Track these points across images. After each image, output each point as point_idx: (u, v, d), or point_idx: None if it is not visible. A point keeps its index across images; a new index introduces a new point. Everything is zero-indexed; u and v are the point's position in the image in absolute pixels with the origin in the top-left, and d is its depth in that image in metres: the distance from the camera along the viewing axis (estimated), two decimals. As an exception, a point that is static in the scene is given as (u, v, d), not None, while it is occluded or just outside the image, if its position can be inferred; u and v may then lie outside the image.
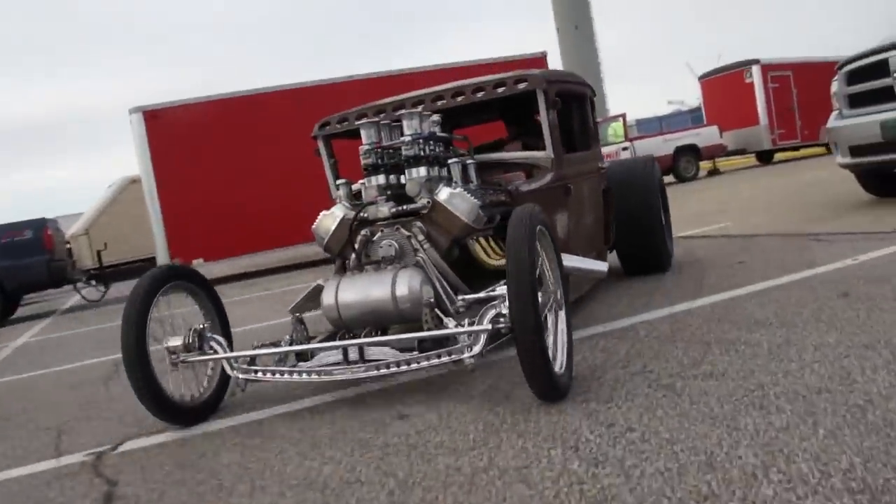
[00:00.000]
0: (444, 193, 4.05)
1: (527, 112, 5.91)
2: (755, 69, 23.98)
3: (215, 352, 3.86)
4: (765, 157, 26.32)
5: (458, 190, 4.09)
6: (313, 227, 4.40)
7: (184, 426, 3.85)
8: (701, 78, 26.23)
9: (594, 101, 6.17)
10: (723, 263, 6.23)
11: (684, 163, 22.67)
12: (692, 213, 11.12)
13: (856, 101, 8.32)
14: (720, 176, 23.52)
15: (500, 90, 4.88)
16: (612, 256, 6.31)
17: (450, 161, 4.31)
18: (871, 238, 6.09)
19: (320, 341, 4.05)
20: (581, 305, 5.23)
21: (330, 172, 5.51)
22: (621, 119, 22.30)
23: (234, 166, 14.97)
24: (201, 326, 3.93)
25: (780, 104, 24.11)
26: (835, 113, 8.73)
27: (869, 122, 7.96)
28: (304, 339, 4.09)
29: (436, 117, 4.38)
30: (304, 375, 3.73)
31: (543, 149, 4.95)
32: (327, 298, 4.02)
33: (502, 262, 3.87)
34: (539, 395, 3.23)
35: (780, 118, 24.11)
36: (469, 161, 4.52)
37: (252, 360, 3.86)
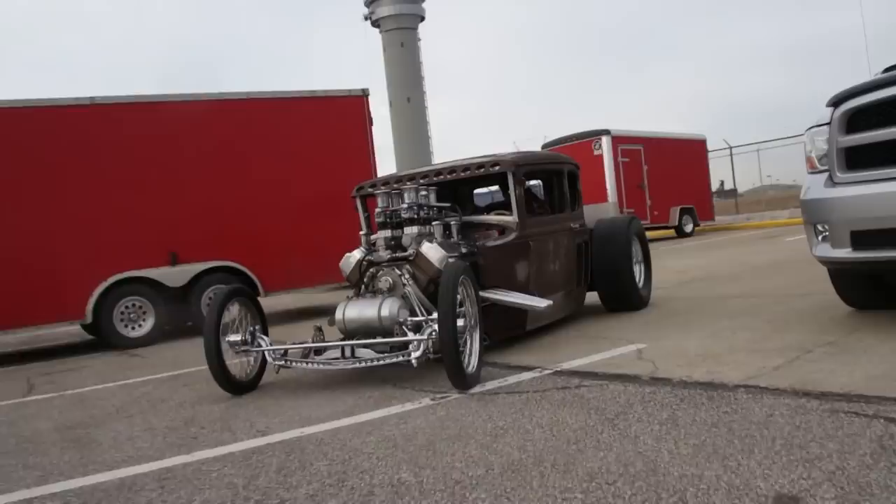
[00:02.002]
0: (424, 246, 5.87)
1: (555, 184, 7.63)
2: (605, 140, 21.41)
3: (261, 346, 5.76)
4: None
5: (435, 244, 5.92)
6: (340, 263, 6.26)
7: (236, 395, 5.62)
8: (545, 147, 23.43)
9: (576, 175, 7.87)
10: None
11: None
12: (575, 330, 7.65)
13: (864, 157, 5.05)
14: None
15: (481, 171, 6.68)
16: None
17: (434, 223, 6.26)
18: None
19: (331, 342, 5.80)
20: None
21: (363, 224, 7.22)
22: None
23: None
24: (254, 328, 5.83)
25: (630, 180, 21.57)
26: (814, 178, 5.45)
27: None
28: (321, 342, 5.81)
29: (424, 191, 6.36)
30: (317, 365, 5.61)
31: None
32: (338, 314, 5.81)
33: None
34: (453, 382, 4.85)
35: (630, 195, 21.53)
36: (453, 222, 6.43)
37: (285, 353, 5.73)
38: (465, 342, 5.12)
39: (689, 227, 22.98)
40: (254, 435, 4.31)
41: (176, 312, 10.46)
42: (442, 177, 6.78)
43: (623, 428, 3.55)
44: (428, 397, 4.75)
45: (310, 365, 5.62)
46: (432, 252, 5.78)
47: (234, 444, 4.12)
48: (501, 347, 6.27)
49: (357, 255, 6.14)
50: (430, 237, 6.09)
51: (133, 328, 10.22)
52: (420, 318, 5.48)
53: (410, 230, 6.10)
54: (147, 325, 10.28)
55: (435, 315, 5.10)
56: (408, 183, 6.64)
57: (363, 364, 5.37)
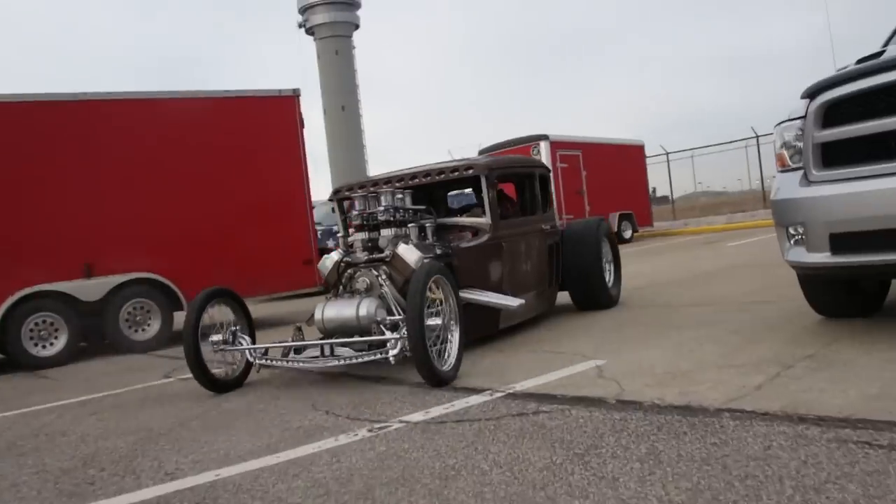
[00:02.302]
0: (400, 248, 6.00)
1: (528, 187, 7.87)
2: (543, 145, 21.01)
3: (241, 345, 5.93)
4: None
5: (410, 245, 6.04)
6: (318, 265, 6.58)
7: (219, 394, 5.75)
8: (481, 152, 22.93)
9: (546, 177, 8.12)
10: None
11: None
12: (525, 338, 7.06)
13: (843, 153, 4.60)
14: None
15: (455, 174, 6.88)
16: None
17: (409, 224, 6.39)
18: None
19: (310, 341, 5.94)
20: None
21: (341, 226, 7.59)
22: None
23: None
24: (235, 328, 5.98)
25: (569, 186, 21.19)
26: (785, 177, 5.00)
27: (884, 190, 4.28)
28: (300, 341, 5.94)
29: (400, 194, 6.49)
30: (297, 364, 5.74)
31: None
32: (317, 314, 5.97)
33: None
34: (424, 379, 4.99)
35: (569, 201, 21.16)
36: (429, 224, 6.55)
37: (266, 352, 5.88)
38: (445, 339, 5.34)
39: (628, 233, 22.70)
40: (161, 479, 3.64)
41: (91, 329, 9.63)
42: (417, 180, 6.94)
43: (596, 467, 2.99)
44: (365, 428, 4.13)
45: (290, 363, 5.79)
46: (408, 253, 5.95)
47: (136, 493, 3.46)
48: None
49: (335, 256, 6.30)
50: (405, 239, 6.24)
51: (43, 347, 9.28)
52: (397, 317, 5.62)
53: (387, 232, 6.29)
54: (59, 343, 9.35)
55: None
56: (384, 186, 6.78)
57: (342, 362, 5.46)
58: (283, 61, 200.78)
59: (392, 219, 6.30)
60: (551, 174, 8.41)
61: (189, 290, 9.95)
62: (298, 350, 5.87)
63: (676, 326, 6.19)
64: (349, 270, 6.15)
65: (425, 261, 5.73)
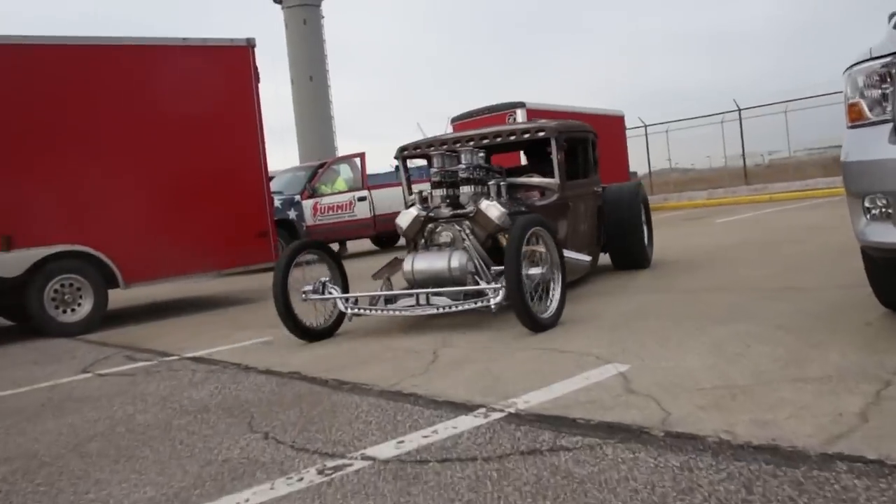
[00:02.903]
0: (484, 204, 6.18)
1: (542, 149, 7.76)
2: (520, 113, 19.75)
3: (331, 294, 6.00)
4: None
5: (494, 202, 6.22)
6: (396, 220, 6.56)
7: (310, 342, 5.87)
8: (454, 121, 21.67)
9: (595, 142, 8.27)
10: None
11: (436, 220, 17.85)
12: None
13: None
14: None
15: (526, 136, 7.26)
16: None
17: (489, 182, 6.53)
18: None
19: (401, 291, 6.15)
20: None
21: (405, 184, 7.91)
22: (358, 160, 16.99)
23: None
24: (324, 279, 6.06)
25: (546, 158, 20.02)
26: (862, 133, 3.85)
27: None
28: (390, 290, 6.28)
29: (481, 153, 6.77)
30: (392, 312, 5.89)
31: (553, 176, 7.05)
32: (406, 266, 6.18)
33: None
34: (526, 326, 5.21)
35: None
36: (502, 182, 6.64)
37: (356, 301, 6.09)
38: (547, 288, 5.63)
39: (607, 208, 21.64)
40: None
41: (11, 309, 8.35)
42: (488, 140, 7.26)
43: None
44: (314, 466, 2.96)
45: (383, 312, 5.93)
46: (492, 209, 6.15)
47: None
48: (416, 367, 4.57)
49: (414, 211, 6.40)
50: (487, 195, 6.41)
51: (-45, 329, 8.06)
52: (497, 267, 5.56)
53: (466, 189, 6.45)
54: (-26, 324, 8.13)
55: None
56: (461, 144, 7.09)
57: (440, 310, 5.69)
58: (251, 31, 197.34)
59: (471, 176, 6.51)
60: (597, 139, 8.50)
61: (127, 265, 8.68)
62: (389, 300, 6.10)
63: (707, 318, 5.06)
64: (430, 225, 6.38)
65: (521, 216, 5.83)
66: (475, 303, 5.55)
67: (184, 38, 9.53)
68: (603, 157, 8.93)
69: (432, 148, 7.18)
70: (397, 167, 7.64)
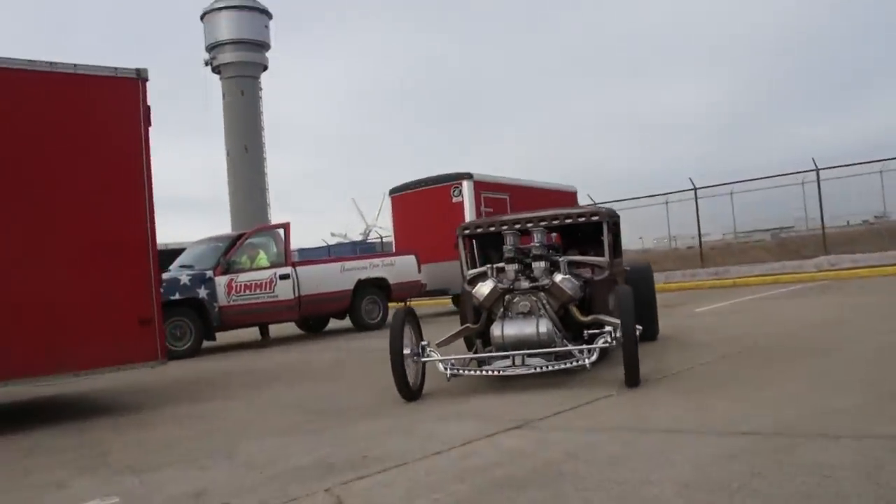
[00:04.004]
0: (558, 278, 6.98)
1: (586, 231, 8.65)
2: (466, 185, 17.80)
3: (431, 357, 6.65)
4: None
5: (567, 276, 7.03)
6: (473, 291, 7.19)
7: (410, 401, 6.36)
8: (393, 192, 19.61)
9: (619, 225, 8.88)
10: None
11: (368, 303, 15.54)
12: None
13: None
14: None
15: (581, 219, 8.00)
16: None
17: (560, 259, 7.30)
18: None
19: (495, 354, 6.87)
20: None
21: (466, 260, 8.16)
22: (282, 231, 14.65)
23: None
24: (425, 342, 6.71)
25: (494, 234, 18.00)
26: None
27: None
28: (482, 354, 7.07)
29: (545, 234, 7.48)
30: (489, 372, 6.53)
31: (600, 255, 7.94)
32: (496, 331, 6.88)
33: (587, 318, 7.06)
34: (630, 381, 6.01)
35: (494, 252, 17.99)
36: (562, 259, 7.30)
37: (452, 363, 6.63)
38: None
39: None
40: None
41: None
42: (546, 223, 7.76)
43: None
44: None
45: (484, 373, 6.58)
46: (566, 283, 6.99)
47: None
48: None
49: (491, 283, 7.08)
50: (557, 269, 7.18)
51: None
52: (614, 321, 6.49)
53: (539, 264, 7.16)
54: None
55: (609, 326, 6.56)
56: (514, 227, 7.68)
57: (537, 370, 6.36)
58: (188, 100, 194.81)
59: (543, 254, 7.20)
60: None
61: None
62: (483, 361, 6.84)
63: None
64: (508, 296, 7.04)
65: (622, 286, 7.01)
66: (570, 363, 6.37)
67: (50, 63, 7.20)
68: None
69: (503, 227, 7.65)
70: (456, 245, 8.16)
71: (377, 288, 15.65)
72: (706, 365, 7.01)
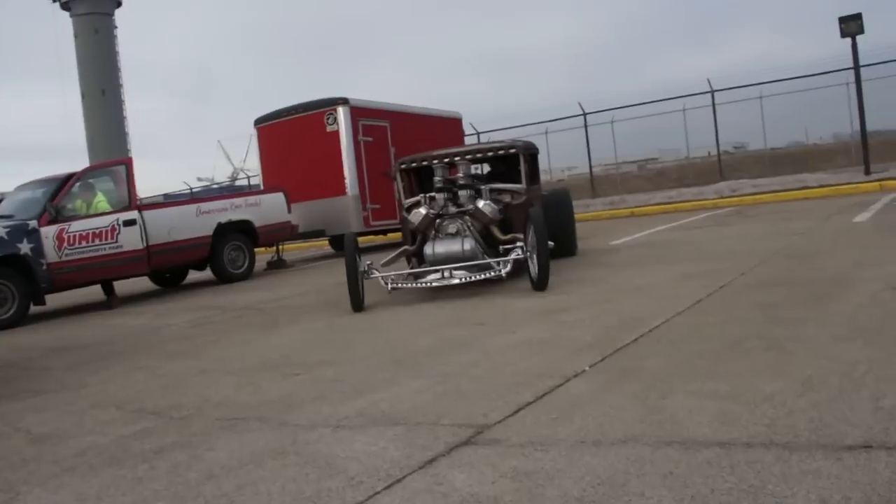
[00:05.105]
0: (480, 203, 8.13)
1: (507, 162, 9.49)
2: (342, 112, 15.52)
3: (375, 274, 7.72)
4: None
5: (487, 202, 8.20)
6: (409, 217, 8.40)
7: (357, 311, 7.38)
8: (258, 123, 17.06)
9: (536, 157, 10.01)
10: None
11: (231, 250, 13.07)
12: None
13: None
14: (290, 271, 14.36)
15: (500, 152, 9.15)
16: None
17: (482, 187, 8.47)
18: None
19: (427, 268, 7.90)
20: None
21: (402, 191, 9.19)
22: (124, 168, 11.81)
23: None
24: (369, 262, 7.81)
25: (375, 166, 15.80)
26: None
27: None
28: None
29: (470, 166, 8.80)
30: (425, 284, 7.67)
31: (519, 182, 8.90)
32: (427, 250, 8.02)
33: (507, 237, 8.11)
34: (542, 285, 7.14)
35: (375, 187, 15.79)
36: (484, 187, 8.53)
37: (393, 278, 7.68)
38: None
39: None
40: None
41: None
42: (471, 156, 8.96)
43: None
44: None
45: (418, 285, 7.73)
46: (487, 207, 8.15)
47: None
48: None
49: (423, 210, 8.24)
50: (480, 197, 8.32)
51: None
52: (520, 242, 7.64)
53: (463, 193, 8.31)
54: None
55: (519, 241, 7.71)
56: (447, 160, 8.85)
57: (462, 280, 7.45)
58: (37, 39, 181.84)
59: (466, 183, 8.38)
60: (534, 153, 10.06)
61: None
62: (418, 276, 7.85)
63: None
64: (438, 220, 8.21)
65: (534, 208, 8.01)
66: (489, 273, 7.46)
67: None
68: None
69: (434, 161, 8.80)
70: (390, 175, 9.50)
71: (241, 232, 13.19)
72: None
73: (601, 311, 5.76)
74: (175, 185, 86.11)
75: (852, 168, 20.88)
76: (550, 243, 7.73)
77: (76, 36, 72.99)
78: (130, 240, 11.29)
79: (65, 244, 10.73)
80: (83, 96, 72.76)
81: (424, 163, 8.95)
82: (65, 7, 73.20)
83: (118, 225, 11.18)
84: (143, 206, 12.03)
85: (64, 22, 75.26)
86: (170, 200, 20.08)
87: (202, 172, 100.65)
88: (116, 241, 11.15)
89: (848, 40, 17.44)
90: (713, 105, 20.45)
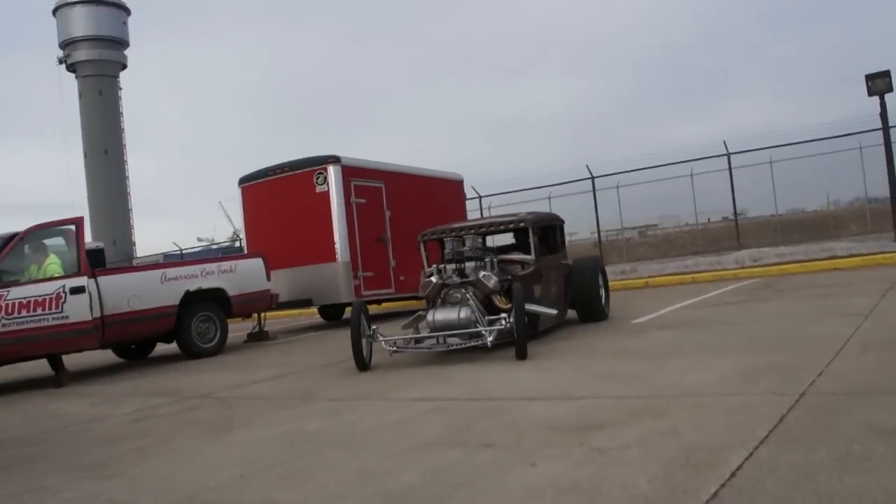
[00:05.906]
0: (482, 274, 8.50)
1: (523, 234, 10.04)
2: (333, 171, 14.11)
3: (380, 338, 8.21)
4: (335, 313, 16.36)
5: (489, 273, 8.61)
6: (421, 285, 8.92)
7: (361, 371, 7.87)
8: (242, 182, 15.64)
9: (562, 227, 10.88)
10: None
11: (200, 322, 11.48)
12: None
13: None
14: (271, 344, 12.81)
15: (511, 226, 9.74)
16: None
17: (485, 259, 8.90)
18: None
19: (426, 335, 8.34)
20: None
21: (425, 260, 9.71)
22: (74, 228, 10.13)
23: None
24: (375, 327, 8.28)
25: (367, 230, 14.32)
26: None
27: None
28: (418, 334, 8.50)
29: (479, 238, 9.36)
30: (421, 349, 8.25)
31: (530, 254, 9.44)
32: (429, 317, 8.33)
33: (507, 306, 8.23)
34: (522, 354, 7.41)
35: (367, 252, 14.29)
36: (495, 258, 9.10)
37: (394, 343, 8.23)
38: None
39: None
40: None
41: None
42: (484, 230, 9.68)
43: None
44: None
45: (417, 350, 8.28)
46: (488, 278, 8.45)
47: None
48: None
49: (433, 279, 8.67)
50: (484, 268, 8.73)
51: None
52: (495, 316, 8.05)
53: (470, 264, 8.72)
54: None
55: (503, 315, 7.94)
56: (466, 232, 9.44)
57: (453, 346, 7.91)
58: (42, 98, 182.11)
59: (473, 255, 8.84)
60: (563, 224, 11.04)
61: None
62: (419, 341, 8.31)
63: None
64: (445, 289, 8.57)
65: (507, 283, 8.61)
66: (477, 341, 7.84)
67: None
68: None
69: (444, 234, 9.57)
70: (418, 247, 9.79)
71: (213, 301, 11.65)
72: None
73: (651, 433, 4.13)
74: (182, 240, 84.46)
75: (871, 235, 19.49)
76: (553, 311, 9.01)
77: (80, 96, 72.54)
78: (78, 310, 9.68)
79: (2, 313, 9.19)
80: (85, 155, 72.05)
81: (443, 235, 9.57)
82: (70, 69, 72.84)
83: (64, 293, 9.59)
84: (99, 272, 10.48)
85: (69, 83, 74.71)
86: (133, 265, 18.54)
87: (203, 232, 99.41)
88: (62, 311, 9.55)
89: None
90: (729, 168, 19.19)
